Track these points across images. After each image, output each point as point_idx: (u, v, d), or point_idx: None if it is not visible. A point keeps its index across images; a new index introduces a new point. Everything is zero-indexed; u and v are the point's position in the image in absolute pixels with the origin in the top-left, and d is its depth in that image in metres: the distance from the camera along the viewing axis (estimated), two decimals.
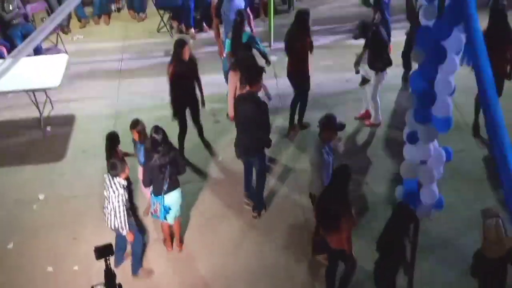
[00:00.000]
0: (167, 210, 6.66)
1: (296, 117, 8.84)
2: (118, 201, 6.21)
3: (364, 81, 8.71)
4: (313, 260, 6.86)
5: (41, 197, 7.95)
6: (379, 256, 5.81)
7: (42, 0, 11.71)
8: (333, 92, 9.69)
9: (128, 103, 9.64)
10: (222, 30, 9.92)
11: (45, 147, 8.87)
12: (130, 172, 6.48)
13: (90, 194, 7.82)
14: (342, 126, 6.78)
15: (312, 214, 6.81)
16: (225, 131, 8.75)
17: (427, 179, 5.41)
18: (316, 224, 6.30)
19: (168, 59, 8.09)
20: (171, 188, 6.58)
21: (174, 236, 7.12)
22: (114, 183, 6.21)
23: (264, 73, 7.28)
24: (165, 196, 6.58)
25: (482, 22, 4.69)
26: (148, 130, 6.66)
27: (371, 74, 8.53)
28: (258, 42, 8.65)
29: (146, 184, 6.72)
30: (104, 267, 5.14)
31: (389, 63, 8.52)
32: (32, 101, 9.12)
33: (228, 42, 8.64)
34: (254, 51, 8.55)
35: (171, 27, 11.86)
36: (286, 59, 8.61)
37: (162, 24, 11.86)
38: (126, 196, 6.30)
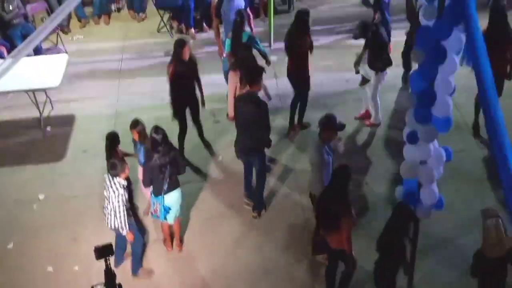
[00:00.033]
0: (167, 210, 6.66)
1: (296, 117, 8.84)
2: (118, 201, 6.21)
3: (364, 81, 8.71)
4: (313, 260, 6.86)
5: (41, 197, 7.95)
6: (379, 256, 5.81)
7: (42, 0, 11.71)
8: (333, 92, 9.69)
9: (128, 103, 9.64)
10: (222, 30, 9.91)
11: (45, 147, 8.87)
12: (130, 172, 6.48)
13: (90, 194, 7.82)
14: (342, 126, 6.78)
15: (312, 214, 6.82)
16: (225, 131, 8.75)
17: (427, 179, 5.42)
18: (316, 224, 6.30)
19: (168, 59, 8.08)
20: (171, 188, 6.58)
21: (174, 236, 7.12)
22: (114, 183, 6.21)
23: (264, 73, 7.28)
24: (165, 196, 6.58)
25: (482, 22, 4.69)
26: (148, 130, 6.67)
27: (371, 74, 8.53)
28: (258, 42, 8.66)
29: (146, 184, 6.72)
30: (104, 267, 5.14)
31: (389, 63, 8.51)
32: (32, 101, 9.12)
33: (228, 42, 8.64)
34: (254, 51, 8.55)
35: (171, 27, 11.85)
36: (286, 59, 8.61)
37: (162, 24, 11.86)
38: (126, 196, 6.30)
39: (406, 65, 9.49)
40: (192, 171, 8.13)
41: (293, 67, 8.49)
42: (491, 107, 4.21)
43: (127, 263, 6.83)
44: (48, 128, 9.20)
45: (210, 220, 7.52)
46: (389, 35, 9.22)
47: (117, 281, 5.28)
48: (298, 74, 8.48)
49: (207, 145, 8.67)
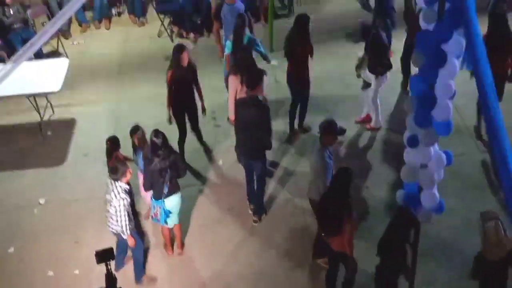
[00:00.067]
0: (167, 214, 6.66)
1: (296, 121, 8.84)
2: (120, 205, 6.20)
3: (367, 85, 8.70)
4: (313, 265, 6.86)
5: (42, 201, 7.96)
6: (380, 260, 5.81)
7: (43, 5, 11.73)
8: (333, 96, 9.68)
9: (128, 108, 9.65)
10: (222, 34, 9.92)
11: (46, 151, 8.87)
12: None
13: (91, 198, 7.83)
14: (342, 131, 6.78)
15: (312, 218, 6.81)
16: (225, 135, 8.76)
17: (428, 183, 5.41)
18: (318, 227, 6.30)
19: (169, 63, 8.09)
20: (171, 192, 6.58)
21: (175, 240, 7.12)
22: (116, 187, 6.21)
23: (265, 75, 7.27)
24: (165, 200, 6.58)
25: (482, 26, 4.69)
26: (149, 135, 6.66)
27: (371, 77, 8.53)
28: (259, 43, 8.65)
29: (147, 188, 6.71)
30: (105, 271, 5.13)
31: (389, 67, 8.51)
32: (33, 105, 9.14)
33: (228, 43, 8.63)
34: (254, 54, 8.55)
35: (172, 32, 11.86)
36: (286, 63, 8.62)
37: (162, 28, 11.88)
38: (129, 200, 6.29)
39: (405, 70, 9.45)
40: (192, 175, 8.13)
41: (293, 71, 8.49)
42: (491, 111, 4.21)
43: (128, 267, 6.82)
44: (49, 132, 9.21)
45: (210, 224, 7.52)
46: (389, 39, 9.21)
47: (118, 286, 5.27)
48: (298, 78, 8.48)
49: (207, 149, 8.67)
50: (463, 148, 8.22)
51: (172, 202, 6.64)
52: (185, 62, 7.73)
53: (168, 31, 11.83)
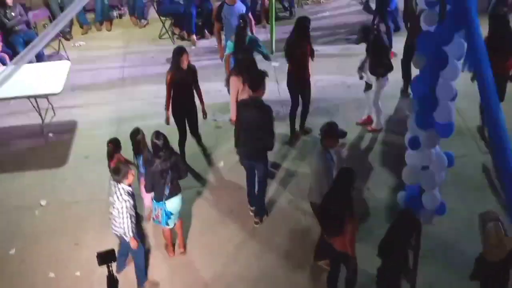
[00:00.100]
0: (168, 215, 6.66)
1: (298, 123, 8.83)
2: (122, 207, 6.18)
3: (369, 86, 8.70)
4: (314, 266, 6.86)
5: (43, 202, 7.96)
6: (381, 262, 5.80)
7: (44, 7, 11.74)
8: (334, 98, 9.67)
9: (130, 109, 9.65)
10: (223, 36, 9.92)
11: (47, 153, 8.87)
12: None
13: (92, 200, 7.83)
14: (343, 134, 6.79)
15: (313, 220, 6.81)
16: (226, 137, 8.74)
17: (429, 184, 5.41)
18: (321, 229, 6.30)
19: None
20: (172, 194, 6.58)
21: (176, 241, 7.11)
22: (119, 189, 6.20)
23: (267, 77, 7.26)
24: (166, 201, 6.58)
25: (483, 27, 4.69)
26: (150, 136, 6.66)
27: (372, 79, 8.53)
28: (260, 44, 8.65)
29: (148, 190, 6.70)
30: (106, 273, 5.13)
31: (390, 68, 8.50)
32: (34, 107, 9.14)
33: (230, 44, 8.62)
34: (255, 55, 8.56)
35: (173, 34, 11.87)
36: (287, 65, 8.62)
37: (164, 30, 11.89)
38: (131, 202, 6.27)
39: (405, 73, 9.37)
40: (193, 177, 8.12)
41: (293, 72, 8.48)
42: (493, 112, 4.21)
43: (129, 269, 6.81)
44: (50, 134, 9.21)
45: (211, 226, 7.52)
46: (390, 41, 9.21)
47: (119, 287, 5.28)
48: (298, 79, 8.46)
49: (208, 151, 8.66)
50: (465, 149, 8.22)
51: (173, 204, 6.64)
52: (185, 65, 7.71)
53: (169, 33, 11.84)
